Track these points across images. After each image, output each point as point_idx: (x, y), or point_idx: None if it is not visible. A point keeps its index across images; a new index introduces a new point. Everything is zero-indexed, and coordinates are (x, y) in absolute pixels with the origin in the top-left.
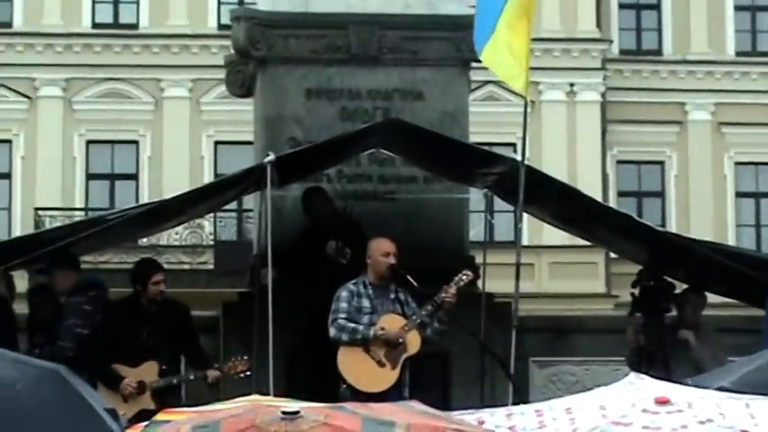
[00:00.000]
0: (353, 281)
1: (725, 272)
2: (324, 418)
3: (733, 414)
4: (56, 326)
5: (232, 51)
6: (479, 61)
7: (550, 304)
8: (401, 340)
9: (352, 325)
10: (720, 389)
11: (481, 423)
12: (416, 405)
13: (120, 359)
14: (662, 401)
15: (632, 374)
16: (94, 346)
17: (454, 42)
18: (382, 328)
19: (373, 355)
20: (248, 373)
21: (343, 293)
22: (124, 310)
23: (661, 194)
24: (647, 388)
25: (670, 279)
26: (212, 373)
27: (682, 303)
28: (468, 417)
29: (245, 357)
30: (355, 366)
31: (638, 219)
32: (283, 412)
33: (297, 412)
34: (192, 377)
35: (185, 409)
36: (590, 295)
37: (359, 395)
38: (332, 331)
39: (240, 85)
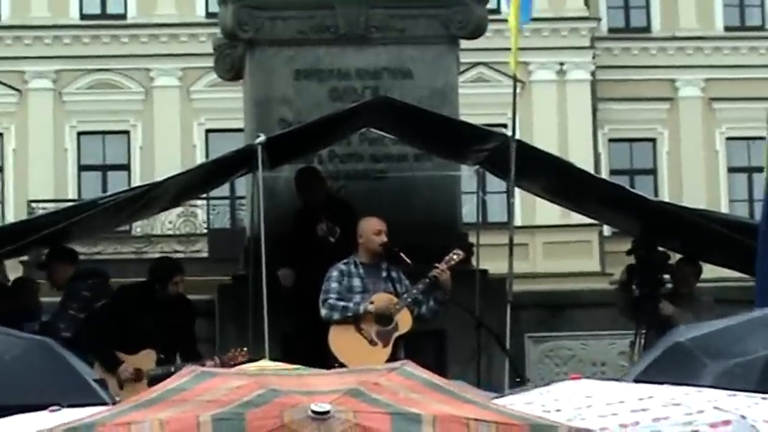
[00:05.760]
0: (344, 261)
1: (718, 240)
2: (354, 417)
3: None
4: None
5: (220, 35)
6: (467, 38)
7: (545, 284)
8: (391, 313)
9: (343, 303)
10: None
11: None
12: (418, 372)
13: (118, 345)
14: None
15: None
16: (94, 329)
17: (441, 19)
18: (371, 302)
19: (365, 334)
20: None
21: (334, 273)
22: (134, 298)
23: (653, 171)
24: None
25: (664, 250)
26: (210, 364)
27: (674, 273)
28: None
29: (245, 349)
30: (347, 345)
31: (630, 189)
32: (314, 411)
33: (327, 412)
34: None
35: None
36: (584, 274)
37: None
38: (323, 311)
39: (229, 69)
